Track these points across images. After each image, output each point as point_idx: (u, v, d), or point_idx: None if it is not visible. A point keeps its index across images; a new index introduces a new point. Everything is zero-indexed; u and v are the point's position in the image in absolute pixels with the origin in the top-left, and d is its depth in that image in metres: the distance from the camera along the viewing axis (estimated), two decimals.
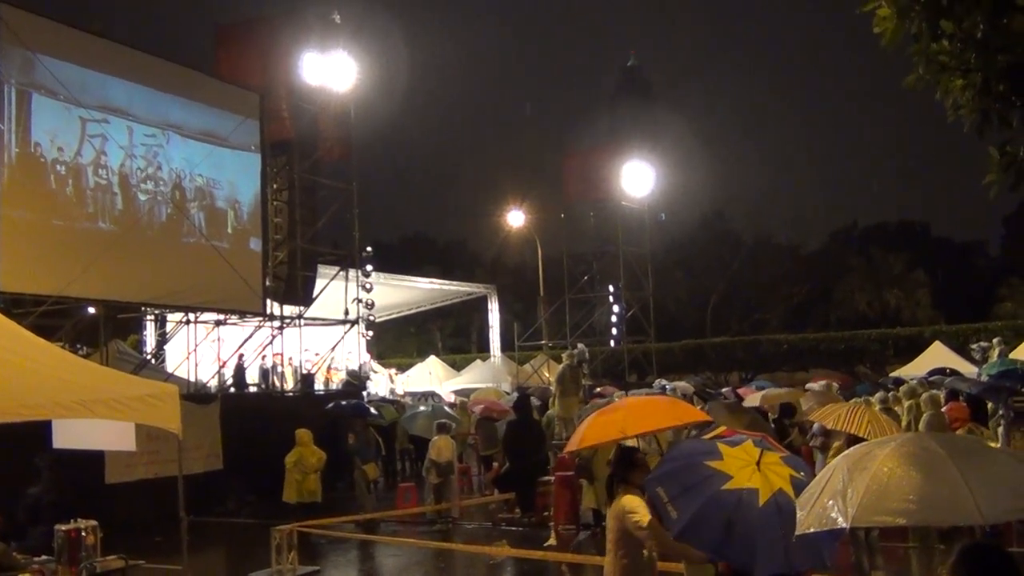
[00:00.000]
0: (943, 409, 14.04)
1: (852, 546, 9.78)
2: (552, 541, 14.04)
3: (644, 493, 6.40)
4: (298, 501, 15.18)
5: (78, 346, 20.28)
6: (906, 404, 15.33)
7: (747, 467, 5.46)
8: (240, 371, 23.60)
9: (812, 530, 4.04)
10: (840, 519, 3.83)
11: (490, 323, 40.15)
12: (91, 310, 19.95)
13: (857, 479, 3.89)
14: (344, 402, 20.71)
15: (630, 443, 7.24)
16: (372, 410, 20.70)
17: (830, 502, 3.94)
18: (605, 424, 7.49)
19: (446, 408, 22.53)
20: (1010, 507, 3.75)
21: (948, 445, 3.86)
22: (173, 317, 24.34)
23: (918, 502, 3.68)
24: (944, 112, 5.79)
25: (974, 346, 23.66)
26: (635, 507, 6.10)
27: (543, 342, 39.17)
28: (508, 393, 28.02)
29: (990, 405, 14.29)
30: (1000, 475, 3.73)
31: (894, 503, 3.74)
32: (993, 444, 11.20)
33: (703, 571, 6.18)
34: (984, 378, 18.28)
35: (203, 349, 22.21)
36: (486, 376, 35.47)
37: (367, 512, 15.92)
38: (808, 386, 20.20)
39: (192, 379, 21.36)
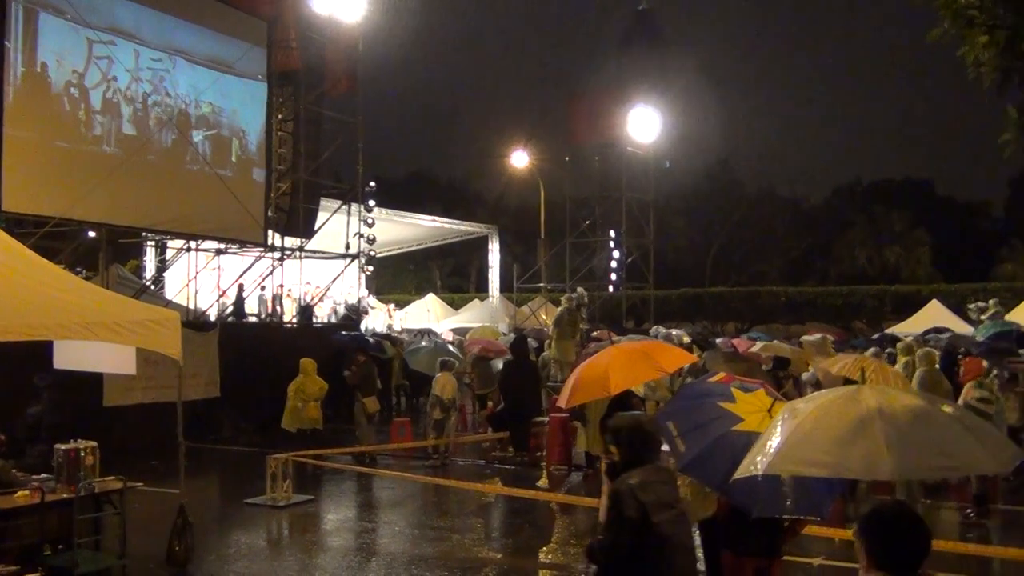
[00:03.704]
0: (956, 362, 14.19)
1: (844, 499, 9.91)
2: (544, 481, 14.21)
3: None
4: (297, 428, 15.39)
5: (78, 269, 20.29)
6: (902, 360, 15.41)
7: (759, 412, 5.62)
8: (240, 300, 23.66)
9: (743, 476, 4.05)
10: (759, 465, 3.85)
11: (490, 263, 40.13)
12: (92, 234, 19.92)
13: (785, 427, 3.89)
14: (346, 334, 20.85)
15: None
16: (372, 343, 20.87)
17: (761, 448, 3.97)
18: (590, 381, 7.75)
19: (449, 346, 22.64)
20: (924, 465, 3.71)
21: (887, 402, 3.77)
22: (174, 244, 24.30)
23: (832, 454, 3.65)
24: (958, 71, 5.74)
25: (972, 306, 23.64)
26: None
27: (542, 284, 39.23)
28: (505, 334, 28.14)
29: (985, 364, 14.37)
30: (927, 435, 3.64)
31: (809, 453, 3.72)
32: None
33: (703, 503, 6.27)
34: (979, 338, 18.37)
35: (203, 277, 22.21)
36: (484, 316, 35.58)
37: (365, 445, 16.10)
38: (803, 339, 20.25)
39: (191, 307, 21.41)
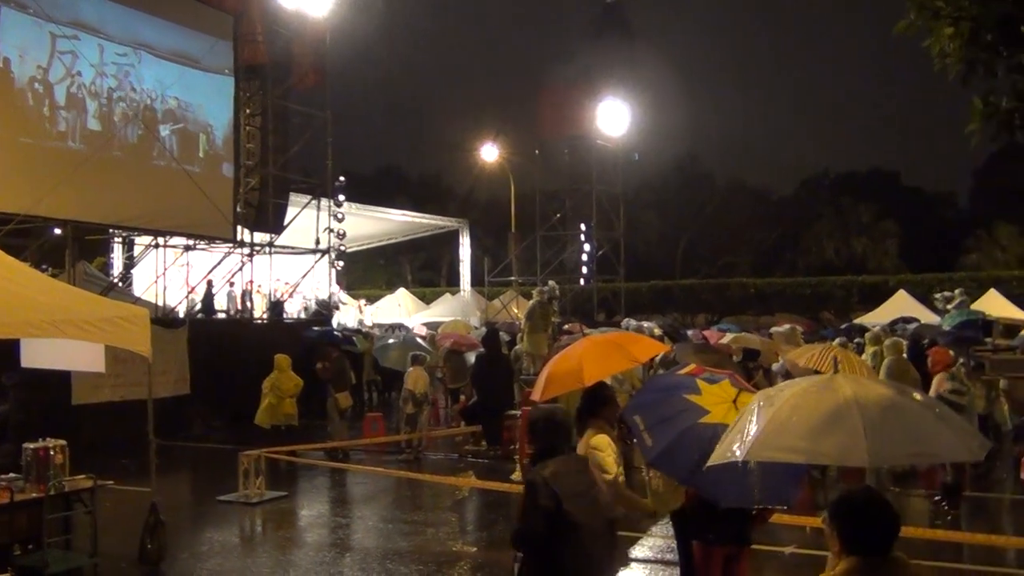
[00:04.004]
0: (923, 352, 14.35)
1: (813, 487, 10.00)
2: (517, 474, 14.20)
3: (612, 428, 6.52)
4: (271, 424, 15.25)
5: (44, 266, 20.08)
6: (870, 350, 15.57)
7: (724, 403, 5.67)
8: (209, 297, 23.49)
9: (717, 462, 4.10)
10: (737, 452, 3.89)
11: (460, 257, 40.08)
12: (57, 231, 19.72)
13: (762, 414, 3.92)
14: (317, 329, 20.75)
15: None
16: (343, 338, 20.80)
17: (737, 435, 3.99)
18: (564, 373, 7.83)
19: (418, 340, 22.60)
20: (899, 452, 3.78)
21: (861, 391, 3.81)
22: (141, 240, 24.10)
23: (811, 441, 3.70)
24: (923, 62, 5.81)
25: (938, 296, 23.93)
26: (602, 447, 6.19)
27: (513, 278, 39.24)
28: (476, 327, 28.13)
29: (952, 353, 14.57)
30: (901, 424, 3.70)
31: (788, 440, 3.76)
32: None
33: (675, 494, 6.31)
34: (946, 328, 18.61)
35: (171, 274, 22.05)
36: (455, 310, 35.52)
37: (338, 440, 16.04)
38: (772, 330, 20.42)
39: (160, 303, 21.23)
